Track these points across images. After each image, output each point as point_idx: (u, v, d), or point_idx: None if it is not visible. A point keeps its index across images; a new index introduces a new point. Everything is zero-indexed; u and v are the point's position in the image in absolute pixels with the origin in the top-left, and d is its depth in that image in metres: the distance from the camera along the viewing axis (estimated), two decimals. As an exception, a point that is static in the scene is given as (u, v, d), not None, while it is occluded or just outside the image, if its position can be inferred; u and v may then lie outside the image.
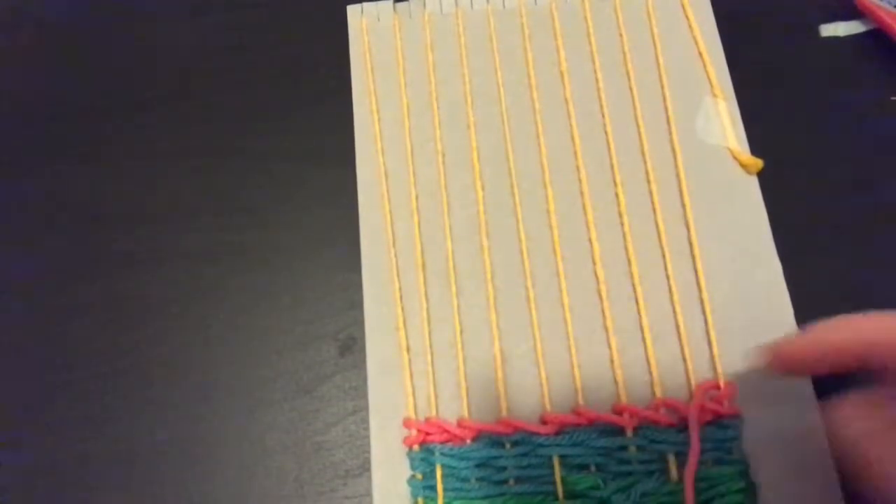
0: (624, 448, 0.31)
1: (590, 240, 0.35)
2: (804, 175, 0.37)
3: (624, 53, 0.39)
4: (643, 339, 0.34)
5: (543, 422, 0.32)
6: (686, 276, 0.34)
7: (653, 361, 0.33)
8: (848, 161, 0.37)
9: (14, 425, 0.35)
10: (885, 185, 0.36)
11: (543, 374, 0.33)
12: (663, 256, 0.35)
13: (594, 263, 0.35)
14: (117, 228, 0.38)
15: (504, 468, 0.31)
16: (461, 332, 0.34)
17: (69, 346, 0.36)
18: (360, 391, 0.34)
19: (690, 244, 0.35)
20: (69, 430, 0.34)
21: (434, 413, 0.33)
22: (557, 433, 0.32)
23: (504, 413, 0.32)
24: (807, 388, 0.32)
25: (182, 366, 0.35)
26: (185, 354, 0.35)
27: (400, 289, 0.35)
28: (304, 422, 0.34)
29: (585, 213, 0.36)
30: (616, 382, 0.33)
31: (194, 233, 0.38)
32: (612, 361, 0.33)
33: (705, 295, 0.34)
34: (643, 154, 0.37)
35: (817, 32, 0.40)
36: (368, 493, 0.32)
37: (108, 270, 0.37)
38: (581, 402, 0.33)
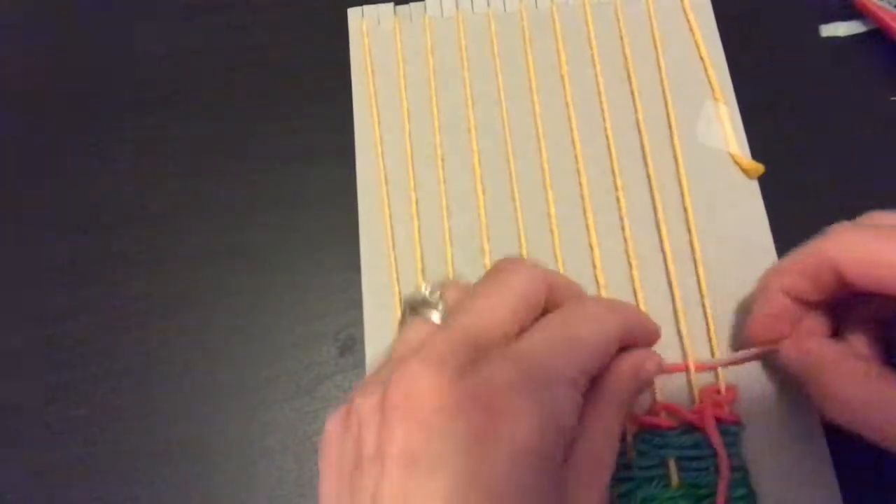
0: (624, 453, 0.31)
1: (590, 244, 0.35)
2: (804, 176, 0.37)
3: (625, 57, 0.39)
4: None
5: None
6: (687, 280, 0.34)
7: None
8: (848, 162, 0.37)
9: (14, 425, 0.35)
10: (885, 186, 0.36)
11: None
12: (664, 260, 0.35)
13: (595, 268, 0.35)
14: (117, 228, 0.38)
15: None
16: (461, 334, 0.34)
17: (69, 346, 0.36)
18: (360, 392, 0.34)
19: (692, 248, 0.35)
20: (69, 430, 0.34)
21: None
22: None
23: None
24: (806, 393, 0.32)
25: (182, 366, 0.35)
26: (185, 354, 0.35)
27: (400, 293, 0.35)
28: (304, 422, 0.34)
29: (586, 217, 0.36)
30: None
31: (194, 233, 0.38)
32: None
33: (706, 299, 0.34)
34: (644, 158, 0.37)
35: (817, 32, 0.40)
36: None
37: (108, 270, 0.37)
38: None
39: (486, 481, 0.20)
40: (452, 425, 0.21)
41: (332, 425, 0.24)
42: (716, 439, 0.30)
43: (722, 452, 0.30)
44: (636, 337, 0.27)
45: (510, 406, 0.21)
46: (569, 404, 0.23)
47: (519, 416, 0.21)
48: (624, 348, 0.27)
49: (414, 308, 0.26)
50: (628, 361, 0.27)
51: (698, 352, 0.33)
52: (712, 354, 0.33)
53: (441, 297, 0.26)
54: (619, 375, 0.26)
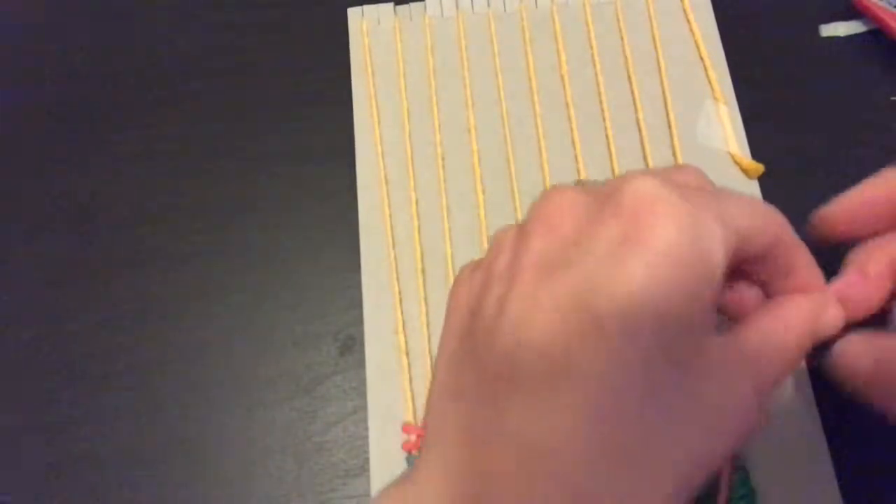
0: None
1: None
2: (804, 176, 0.37)
3: (625, 57, 0.39)
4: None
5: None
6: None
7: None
8: (848, 162, 0.37)
9: (14, 425, 0.35)
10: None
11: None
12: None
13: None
14: (117, 228, 0.38)
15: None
16: (461, 334, 0.34)
17: (69, 345, 0.36)
18: (360, 391, 0.34)
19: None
20: (69, 430, 0.34)
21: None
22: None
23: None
24: (806, 393, 0.32)
25: (182, 366, 0.35)
26: (185, 354, 0.35)
27: (399, 293, 0.35)
28: (304, 422, 0.34)
29: (585, 216, 0.36)
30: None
31: (194, 233, 0.38)
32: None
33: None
34: (644, 158, 0.37)
35: (817, 32, 0.40)
36: (368, 494, 0.32)
37: (108, 270, 0.37)
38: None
39: (615, 286, 0.19)
40: (589, 231, 0.20)
41: (464, 269, 0.25)
42: None
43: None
44: (789, 254, 0.24)
45: (653, 215, 0.20)
46: (718, 246, 0.20)
47: (660, 223, 0.20)
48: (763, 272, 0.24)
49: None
50: (802, 307, 0.23)
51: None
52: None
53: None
54: (787, 322, 0.23)
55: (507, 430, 0.20)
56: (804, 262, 0.24)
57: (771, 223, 0.23)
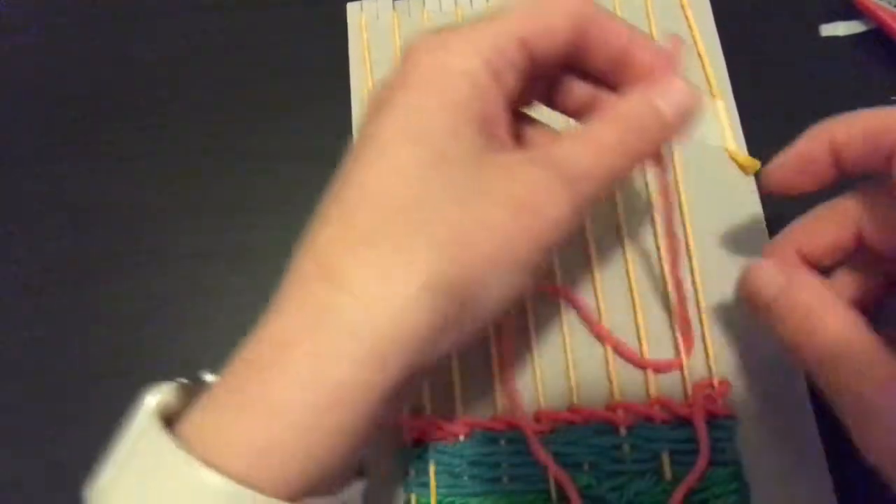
0: (618, 447, 0.31)
1: (586, 241, 0.35)
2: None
3: (622, 53, 0.39)
4: (638, 337, 0.34)
5: (538, 419, 0.32)
6: (682, 276, 0.34)
7: (648, 360, 0.33)
8: (847, 160, 0.37)
9: (14, 425, 0.35)
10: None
11: (538, 372, 0.33)
12: (659, 256, 0.35)
13: (590, 264, 0.35)
14: (117, 228, 0.38)
15: (498, 465, 0.32)
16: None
17: (69, 346, 0.36)
18: (359, 389, 0.34)
19: (687, 244, 0.35)
20: (69, 430, 0.35)
21: (428, 410, 0.33)
22: (552, 431, 0.32)
23: (498, 410, 0.33)
24: (800, 388, 0.32)
25: (182, 366, 0.35)
26: (185, 354, 0.36)
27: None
28: (303, 420, 0.34)
29: (582, 215, 0.36)
30: (610, 381, 0.33)
31: (194, 233, 0.38)
32: (606, 360, 0.33)
33: (701, 294, 0.34)
34: (640, 155, 0.37)
35: (817, 32, 0.40)
36: (367, 493, 0.32)
37: (109, 270, 0.38)
38: (576, 399, 0.33)
39: (383, 105, 0.24)
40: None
41: None
42: (701, 432, 0.30)
43: (704, 446, 0.30)
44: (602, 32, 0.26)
45: (412, 53, 0.25)
46: (470, 62, 0.24)
47: (414, 55, 0.24)
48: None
49: None
50: (641, 92, 0.26)
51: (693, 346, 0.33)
52: (706, 351, 0.33)
53: None
54: (631, 104, 0.25)
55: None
56: (623, 38, 0.26)
57: (566, 6, 0.25)
